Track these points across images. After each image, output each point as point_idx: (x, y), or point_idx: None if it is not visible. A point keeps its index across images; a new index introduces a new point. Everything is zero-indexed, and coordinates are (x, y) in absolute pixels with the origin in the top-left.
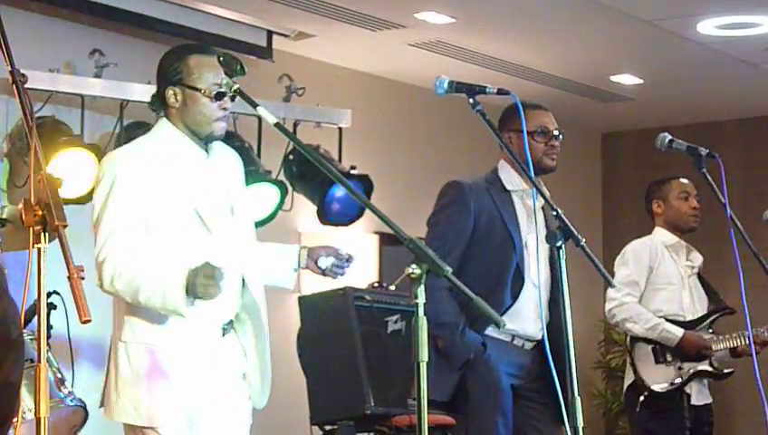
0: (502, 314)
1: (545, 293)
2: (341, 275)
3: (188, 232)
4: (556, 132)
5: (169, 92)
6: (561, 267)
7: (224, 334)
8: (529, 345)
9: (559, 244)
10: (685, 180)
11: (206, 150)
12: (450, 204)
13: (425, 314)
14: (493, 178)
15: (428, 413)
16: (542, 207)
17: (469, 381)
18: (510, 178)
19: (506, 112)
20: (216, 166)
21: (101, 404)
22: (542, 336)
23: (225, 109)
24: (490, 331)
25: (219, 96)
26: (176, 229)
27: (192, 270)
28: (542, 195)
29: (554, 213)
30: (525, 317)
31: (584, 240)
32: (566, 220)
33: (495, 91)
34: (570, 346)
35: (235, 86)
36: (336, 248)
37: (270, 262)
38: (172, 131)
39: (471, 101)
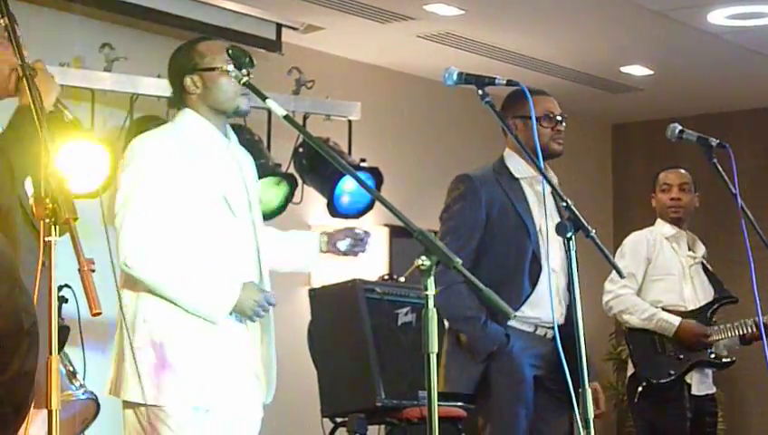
0: (522, 302)
1: (562, 277)
2: (362, 251)
3: (217, 217)
4: (560, 117)
5: (187, 81)
6: (571, 259)
7: (240, 321)
8: (551, 334)
9: (569, 235)
10: (672, 172)
11: (227, 139)
12: (461, 197)
13: (445, 309)
14: (500, 166)
15: (440, 405)
16: (552, 193)
17: (492, 373)
18: (517, 165)
19: (509, 99)
20: (236, 157)
21: (110, 389)
22: (554, 323)
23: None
24: (513, 322)
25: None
26: (205, 214)
27: (244, 289)
28: (551, 184)
29: (564, 204)
30: (546, 304)
31: (594, 231)
32: (576, 211)
33: (505, 82)
34: (580, 336)
35: (244, 79)
36: (352, 229)
37: (293, 247)
38: (196, 119)
39: (480, 92)
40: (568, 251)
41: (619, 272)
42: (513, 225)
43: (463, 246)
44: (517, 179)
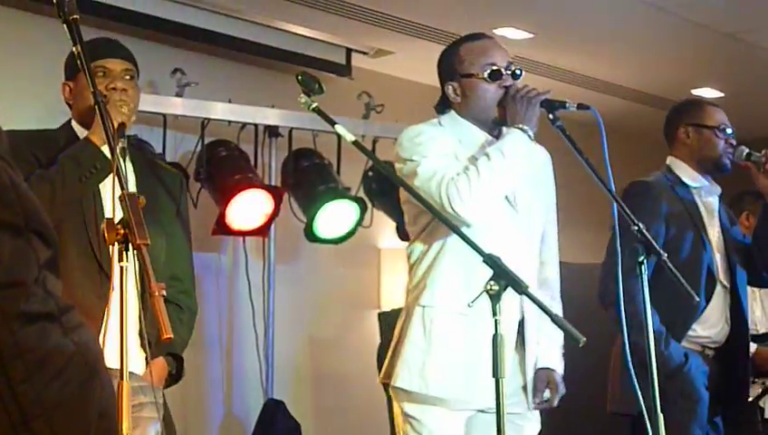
0: (695, 319)
1: (728, 295)
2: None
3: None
4: (731, 132)
5: (449, 89)
6: (643, 283)
7: (518, 329)
8: (711, 353)
9: (641, 259)
10: None
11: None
12: (640, 204)
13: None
14: (671, 176)
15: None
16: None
17: (670, 392)
18: (687, 174)
19: (684, 105)
20: None
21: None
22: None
23: (507, 88)
24: (684, 342)
25: (494, 75)
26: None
27: None
28: (616, 198)
29: (635, 228)
30: (716, 322)
31: (666, 255)
32: (647, 235)
33: (575, 106)
34: (652, 357)
35: (314, 105)
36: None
37: None
38: (460, 120)
39: (551, 117)
40: (640, 275)
41: (691, 296)
42: (691, 237)
43: None
44: (690, 190)
